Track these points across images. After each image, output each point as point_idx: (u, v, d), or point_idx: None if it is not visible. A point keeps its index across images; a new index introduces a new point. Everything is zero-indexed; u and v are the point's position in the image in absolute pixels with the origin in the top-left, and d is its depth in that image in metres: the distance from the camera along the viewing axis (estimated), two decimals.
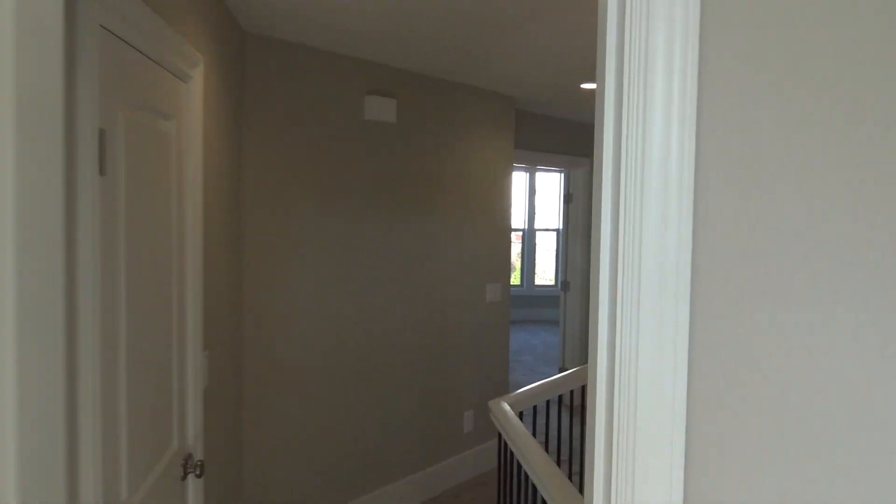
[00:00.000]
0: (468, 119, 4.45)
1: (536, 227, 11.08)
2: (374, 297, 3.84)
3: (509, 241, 4.88)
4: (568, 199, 6.40)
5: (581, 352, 6.38)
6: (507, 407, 2.47)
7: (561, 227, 11.00)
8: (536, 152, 5.68)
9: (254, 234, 3.23)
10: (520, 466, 2.37)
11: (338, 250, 3.63)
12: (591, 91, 4.60)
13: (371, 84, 3.76)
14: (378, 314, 3.87)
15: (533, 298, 10.89)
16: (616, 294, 0.97)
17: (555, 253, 11.26)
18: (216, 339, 2.50)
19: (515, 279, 11.07)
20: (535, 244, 11.09)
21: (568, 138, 6.09)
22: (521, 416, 2.69)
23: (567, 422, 5.94)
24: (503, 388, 4.91)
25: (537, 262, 11.19)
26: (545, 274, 11.29)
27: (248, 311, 3.22)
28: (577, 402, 6.20)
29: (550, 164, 5.94)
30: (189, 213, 2.12)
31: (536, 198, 11.01)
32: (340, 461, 3.70)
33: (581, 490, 3.05)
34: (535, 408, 2.79)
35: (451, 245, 4.33)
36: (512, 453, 2.45)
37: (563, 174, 11.00)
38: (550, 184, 11.10)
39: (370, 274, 3.81)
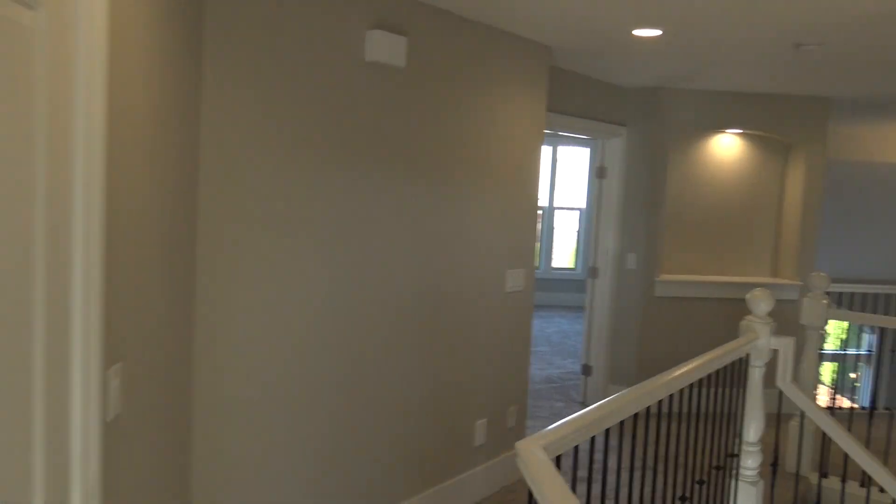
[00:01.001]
0: (495, 70, 3.66)
1: (556, 205, 10.29)
2: (369, 286, 3.10)
3: (535, 222, 4.12)
4: (600, 173, 5.62)
5: (610, 347, 5.63)
6: (542, 456, 1.74)
7: (586, 206, 10.24)
8: (568, 116, 4.89)
9: (214, 208, 2.49)
10: None
11: (329, 229, 2.88)
12: (645, 40, 3.80)
13: (376, 15, 2.99)
14: (373, 307, 3.13)
15: (550, 282, 10.14)
16: None
17: (576, 234, 10.48)
18: (137, 347, 1.77)
19: None
20: (553, 224, 10.31)
21: (604, 104, 5.30)
22: (558, 460, 1.95)
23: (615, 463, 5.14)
24: (522, 394, 4.18)
25: (556, 243, 10.42)
26: (563, 256, 10.52)
27: (204, 306, 2.49)
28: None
29: (584, 130, 5.15)
30: (79, 169, 1.37)
31: (558, 173, 10.21)
32: (322, 488, 2.98)
33: None
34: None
35: (466, 223, 3.57)
36: None
37: (591, 147, 10.20)
38: (574, 158, 10.28)
39: (368, 258, 3.06)
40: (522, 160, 3.92)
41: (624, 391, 2.32)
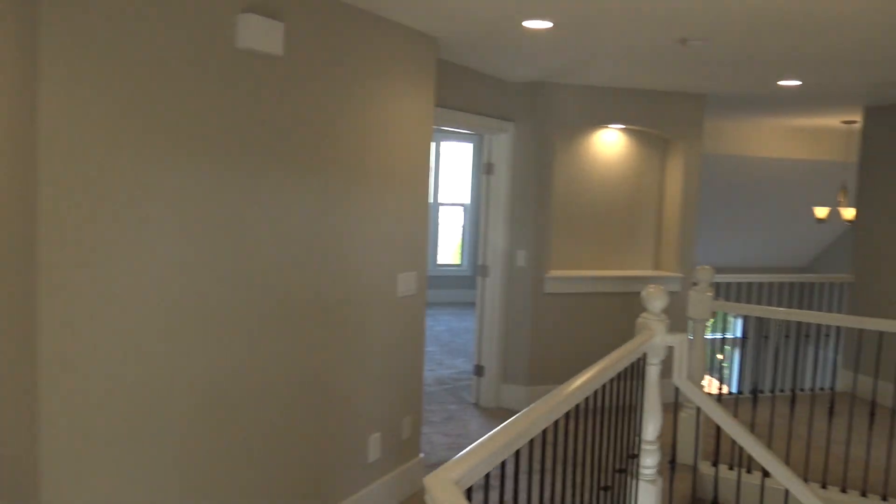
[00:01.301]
0: (381, 62, 3.43)
1: (441, 201, 10.17)
2: (242, 296, 2.80)
3: (426, 221, 3.93)
4: (488, 169, 5.51)
5: (502, 346, 5.55)
6: (455, 494, 1.53)
7: (470, 201, 10.18)
8: (456, 111, 4.73)
9: (58, 211, 2.11)
10: None
11: (192, 232, 2.55)
12: (535, 32, 3.69)
13: None
14: (248, 319, 2.83)
15: (436, 279, 10.02)
16: None
17: (461, 230, 10.41)
18: None
19: None
20: (438, 221, 10.19)
21: (491, 98, 5.18)
22: (469, 493, 1.76)
23: (526, 482, 5.04)
24: (417, 403, 3.98)
25: (441, 239, 10.30)
26: (449, 253, 10.44)
27: (49, 320, 2.11)
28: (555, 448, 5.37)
29: (472, 126, 5.01)
30: None
31: (441, 169, 10.09)
32: None
33: None
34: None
35: (353, 225, 3.33)
36: None
37: (474, 142, 10.15)
38: (457, 153, 10.20)
39: (240, 265, 2.76)
40: (412, 156, 3.71)
41: (528, 409, 2.16)
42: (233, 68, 2.64)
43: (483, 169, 5.53)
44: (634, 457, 3.21)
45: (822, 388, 6.45)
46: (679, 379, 3.37)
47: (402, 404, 3.82)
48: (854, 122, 7.31)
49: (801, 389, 5.77)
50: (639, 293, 5.80)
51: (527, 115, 5.38)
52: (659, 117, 5.62)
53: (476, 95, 4.99)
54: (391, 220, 3.57)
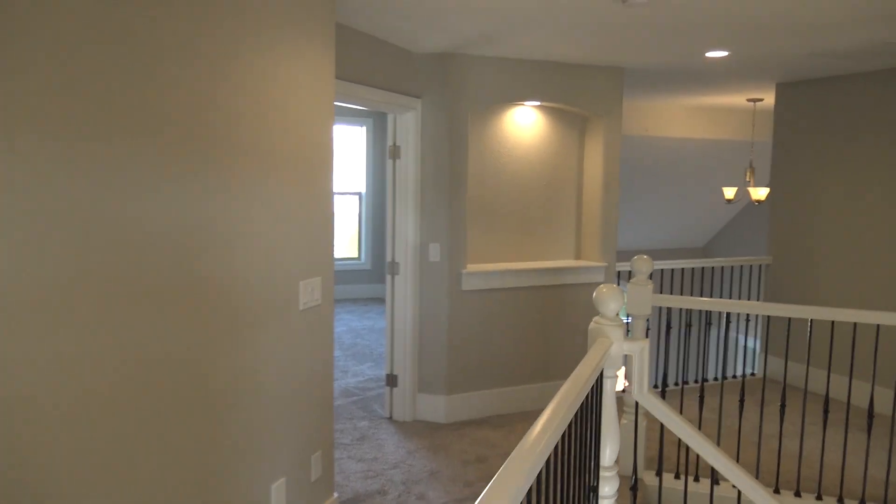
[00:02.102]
0: (268, 21, 2.71)
1: (334, 190, 9.40)
2: (95, 318, 2.04)
3: (331, 215, 3.26)
4: (393, 152, 4.87)
5: (417, 352, 4.94)
6: None
7: (366, 189, 9.47)
8: (357, 85, 4.06)
9: None
10: None
11: (16, 238, 1.78)
12: None
13: None
14: (108, 346, 2.08)
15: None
16: None
17: (357, 221, 9.70)
18: None
19: None
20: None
21: (396, 71, 4.54)
22: None
23: None
24: (327, 436, 3.32)
25: (336, 231, 9.55)
26: (345, 245, 9.71)
27: None
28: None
29: (375, 102, 4.35)
30: None
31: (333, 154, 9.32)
32: None
33: None
34: None
35: (238, 220, 2.61)
36: None
37: (368, 124, 9.43)
38: (349, 137, 9.46)
39: (85, 278, 2.00)
40: (311, 137, 3.02)
41: (498, 481, 1.56)
42: (57, 20, 1.87)
43: (388, 153, 4.88)
44: (594, 490, 2.71)
45: (739, 375, 6.27)
46: (640, 393, 2.89)
47: (310, 439, 3.14)
48: (760, 99, 7.17)
49: (725, 378, 5.50)
50: (562, 286, 5.43)
51: (436, 90, 4.78)
52: (577, 93, 5.16)
53: (379, 67, 4.33)
54: (288, 214, 2.88)
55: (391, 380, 4.97)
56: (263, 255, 2.72)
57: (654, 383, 5.87)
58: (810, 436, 4.52)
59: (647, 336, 4.16)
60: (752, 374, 6.23)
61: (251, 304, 2.66)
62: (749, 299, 6.31)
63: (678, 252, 10.79)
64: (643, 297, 3.93)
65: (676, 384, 5.83)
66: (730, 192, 7.54)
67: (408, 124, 4.78)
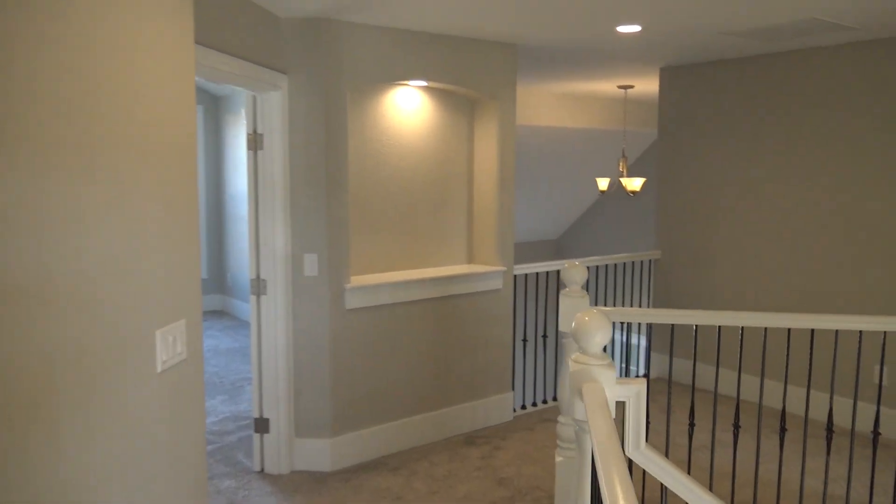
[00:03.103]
0: None
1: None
2: None
3: (197, 233, 2.29)
4: (255, 142, 3.89)
5: (292, 389, 4.01)
6: None
7: (204, 187, 8.20)
8: (215, 52, 3.07)
9: None
10: None
11: None
12: None
13: None
14: None
15: None
16: None
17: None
18: None
19: None
20: None
21: (257, 39, 3.56)
22: None
23: None
24: None
25: None
26: None
27: None
28: None
29: (225, 74, 3.37)
30: None
31: None
32: None
33: None
34: None
35: (57, 243, 1.60)
36: None
37: (203, 108, 8.14)
38: None
39: None
40: (164, 121, 2.04)
41: None
42: None
43: (248, 143, 3.90)
44: None
45: (637, 376, 5.92)
46: (636, 449, 2.23)
47: None
48: (631, 86, 6.89)
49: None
50: (457, 296, 4.67)
51: (306, 65, 3.85)
52: (468, 72, 4.45)
53: (234, 31, 3.35)
54: (134, 232, 1.88)
55: (261, 424, 4.00)
56: (103, 303, 1.72)
57: (543, 398, 5.35)
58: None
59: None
60: (645, 375, 5.91)
61: (78, 372, 1.65)
62: (640, 296, 5.97)
63: (537, 245, 10.51)
64: (579, 311, 3.29)
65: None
66: (603, 184, 7.22)
67: (272, 107, 3.82)
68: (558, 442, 3.50)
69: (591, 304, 3.32)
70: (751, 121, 5.20)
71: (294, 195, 3.91)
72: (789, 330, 3.05)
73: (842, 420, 4.23)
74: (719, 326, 3.13)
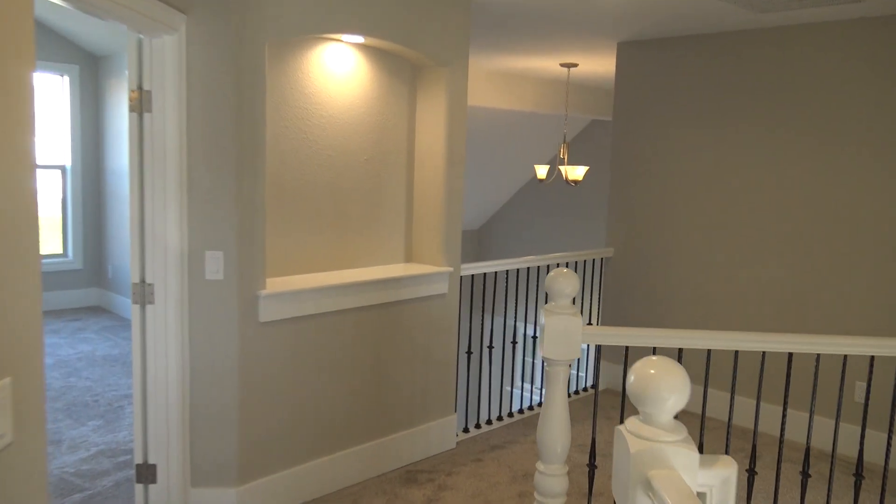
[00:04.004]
0: None
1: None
2: None
3: (36, 220, 1.38)
4: (140, 103, 2.94)
5: (187, 427, 3.10)
6: None
7: (72, 162, 6.96)
8: None
9: None
10: None
11: None
12: None
13: None
14: None
15: None
16: None
17: (62, 205, 7.16)
18: None
19: None
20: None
21: None
22: None
23: None
24: None
25: None
26: (45, 237, 7.12)
27: None
28: None
29: (101, 7, 2.42)
30: None
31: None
32: None
33: None
34: None
35: None
36: None
37: (75, 72, 6.89)
38: (46, 89, 6.88)
39: None
40: None
41: None
42: None
43: (131, 102, 2.93)
44: None
45: (584, 389, 5.33)
46: None
47: None
48: (574, 65, 6.26)
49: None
50: (397, 303, 3.85)
51: (212, 3, 2.93)
52: (415, 30, 3.64)
53: None
54: None
55: (145, 472, 3.07)
56: None
57: (487, 419, 4.66)
58: None
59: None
60: (593, 387, 5.34)
61: None
62: (590, 299, 5.37)
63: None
64: (569, 333, 2.58)
65: (511, 414, 4.70)
66: (542, 171, 6.57)
67: (165, 55, 2.87)
68: (537, 496, 2.78)
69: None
70: (720, 105, 4.65)
71: (192, 173, 2.98)
72: (763, 353, 2.55)
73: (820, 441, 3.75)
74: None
